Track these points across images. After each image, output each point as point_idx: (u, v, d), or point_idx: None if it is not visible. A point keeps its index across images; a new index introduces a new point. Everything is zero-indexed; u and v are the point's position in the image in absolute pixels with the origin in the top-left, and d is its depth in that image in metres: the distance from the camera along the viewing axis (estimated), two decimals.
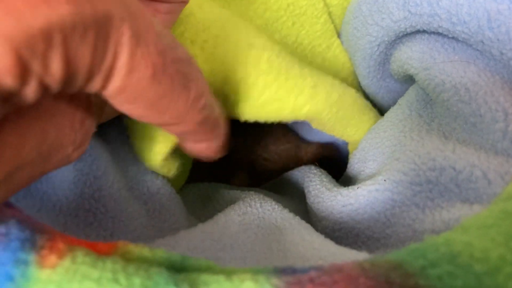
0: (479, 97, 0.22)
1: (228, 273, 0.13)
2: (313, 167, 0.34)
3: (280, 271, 0.14)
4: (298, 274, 0.14)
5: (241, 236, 0.23)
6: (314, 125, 0.30)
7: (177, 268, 0.14)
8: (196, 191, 0.34)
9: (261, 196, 0.29)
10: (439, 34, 0.26)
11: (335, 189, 0.28)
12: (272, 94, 0.25)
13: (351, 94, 0.30)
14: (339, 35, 0.35)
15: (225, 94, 0.25)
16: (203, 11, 0.25)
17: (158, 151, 0.25)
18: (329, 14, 0.33)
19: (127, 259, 0.14)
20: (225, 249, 0.21)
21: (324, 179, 0.31)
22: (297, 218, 0.26)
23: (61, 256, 0.14)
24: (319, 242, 0.22)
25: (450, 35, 0.25)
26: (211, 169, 0.41)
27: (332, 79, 0.29)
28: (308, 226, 0.25)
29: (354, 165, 0.31)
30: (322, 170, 0.33)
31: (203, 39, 0.24)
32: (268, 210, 0.26)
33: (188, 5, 0.24)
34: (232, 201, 0.29)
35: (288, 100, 0.26)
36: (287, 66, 0.26)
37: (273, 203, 0.27)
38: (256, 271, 0.14)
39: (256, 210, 0.26)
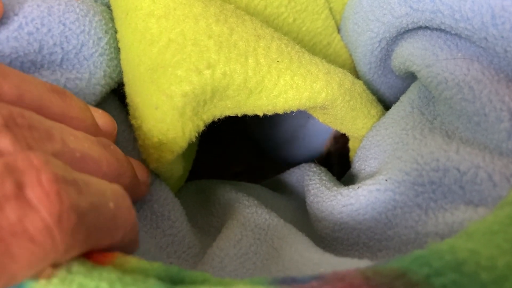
0: (483, 95, 0.22)
1: (226, 284, 0.13)
2: (313, 164, 0.34)
3: (280, 282, 0.13)
4: (298, 284, 0.13)
5: (240, 271, 0.22)
6: (323, 118, 0.30)
7: (174, 281, 0.14)
8: (193, 191, 0.34)
9: (256, 203, 0.28)
10: (441, 30, 0.26)
11: (335, 188, 0.28)
12: (287, 82, 0.25)
13: (360, 84, 0.30)
14: (339, 31, 0.34)
15: (238, 89, 0.24)
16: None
17: (167, 154, 0.25)
18: (330, 9, 0.33)
19: (124, 270, 0.14)
20: None
21: (324, 178, 0.30)
22: (294, 231, 0.25)
23: (56, 266, 0.14)
24: (318, 256, 0.22)
25: (453, 32, 0.24)
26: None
27: (341, 68, 0.29)
28: (306, 239, 0.24)
29: (355, 163, 0.30)
30: (322, 168, 0.33)
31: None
32: (264, 230, 0.25)
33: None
34: (229, 205, 0.29)
35: (304, 87, 0.25)
36: (298, 54, 0.26)
37: (267, 216, 0.27)
38: (254, 282, 0.13)
39: (251, 231, 0.25)
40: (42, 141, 0.16)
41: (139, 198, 0.24)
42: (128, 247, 0.18)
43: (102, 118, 0.23)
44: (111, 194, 0.16)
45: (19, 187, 0.13)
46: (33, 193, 0.13)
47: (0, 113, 0.15)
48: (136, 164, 0.24)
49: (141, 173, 0.24)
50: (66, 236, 0.13)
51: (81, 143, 0.18)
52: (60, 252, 0.13)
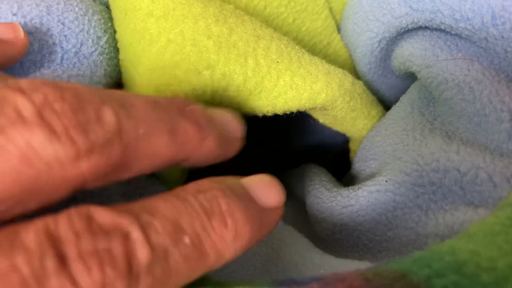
0: (483, 96, 0.22)
1: (225, 286, 0.13)
2: (312, 165, 0.34)
3: (279, 283, 0.13)
4: (298, 285, 0.13)
5: (239, 273, 0.22)
6: (323, 119, 0.30)
7: None
8: None
9: None
10: (441, 30, 0.26)
11: (335, 189, 0.28)
12: (286, 83, 0.25)
13: (360, 85, 0.30)
14: (339, 31, 0.34)
15: (238, 90, 0.24)
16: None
17: None
18: (330, 9, 0.33)
19: None
20: None
21: (324, 179, 0.30)
22: (294, 233, 0.25)
23: None
24: (318, 258, 0.22)
25: (453, 32, 0.24)
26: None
27: (341, 69, 0.29)
28: (306, 241, 0.24)
29: (355, 164, 0.30)
30: (322, 168, 0.33)
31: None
32: None
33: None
34: None
35: (304, 88, 0.25)
36: (298, 55, 0.26)
37: None
38: (254, 284, 0.13)
39: None
40: (91, 126, 0.13)
41: (230, 156, 0.21)
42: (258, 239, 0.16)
43: None
44: (187, 223, 0.14)
45: (61, 260, 0.12)
46: (75, 267, 0.12)
47: (32, 99, 0.13)
48: (225, 118, 0.20)
49: (232, 128, 0.20)
50: None
51: (145, 112, 0.15)
52: None
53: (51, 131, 0.12)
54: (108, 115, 0.14)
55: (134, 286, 0.12)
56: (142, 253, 0.12)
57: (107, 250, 0.12)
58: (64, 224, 0.12)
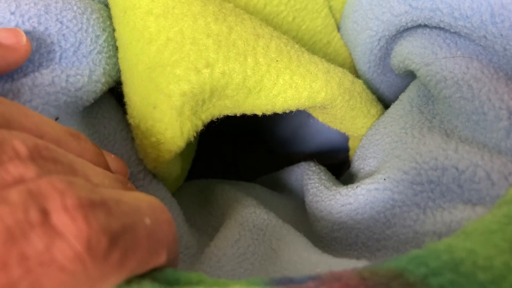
0: (482, 94, 0.22)
1: (222, 285, 0.13)
2: (312, 163, 0.34)
3: (276, 282, 0.13)
4: (295, 284, 0.13)
5: (237, 271, 0.22)
6: (322, 118, 0.30)
7: (169, 282, 0.14)
8: (192, 190, 0.33)
9: (254, 203, 0.28)
10: (441, 29, 0.26)
11: (334, 187, 0.28)
12: (286, 81, 0.25)
13: (360, 84, 0.30)
14: (339, 29, 0.34)
15: (237, 89, 0.24)
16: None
17: (165, 154, 0.25)
18: (330, 8, 0.32)
19: None
20: None
21: (323, 177, 0.30)
22: (292, 232, 0.25)
23: None
24: (317, 257, 0.22)
25: (452, 30, 0.24)
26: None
27: (340, 68, 0.29)
28: (304, 240, 0.24)
29: (354, 162, 0.30)
30: (321, 167, 0.33)
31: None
32: (262, 230, 0.25)
33: None
34: (227, 204, 0.29)
35: (303, 87, 0.25)
36: (297, 53, 0.26)
37: (266, 216, 0.26)
38: (251, 283, 0.13)
39: (250, 231, 0.25)
40: (66, 175, 0.15)
41: None
42: (171, 264, 0.17)
43: (114, 162, 0.22)
44: (147, 208, 0.16)
45: (44, 214, 0.12)
46: (59, 219, 0.12)
47: (26, 143, 0.14)
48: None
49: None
50: (99, 262, 0.13)
51: (101, 179, 0.17)
52: (94, 279, 0.13)
53: (40, 170, 0.14)
54: (80, 171, 0.16)
55: (114, 249, 0.13)
56: (117, 217, 0.14)
57: (90, 205, 0.13)
58: (46, 184, 0.13)
